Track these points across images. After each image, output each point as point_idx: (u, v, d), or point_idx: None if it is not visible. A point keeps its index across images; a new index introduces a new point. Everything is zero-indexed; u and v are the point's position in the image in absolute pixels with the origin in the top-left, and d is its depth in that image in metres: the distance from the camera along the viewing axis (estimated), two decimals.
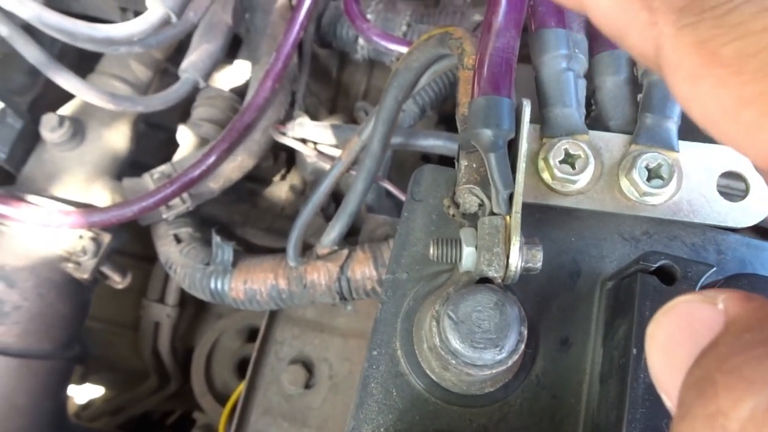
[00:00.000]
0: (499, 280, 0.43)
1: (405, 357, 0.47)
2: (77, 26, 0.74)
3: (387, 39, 0.96)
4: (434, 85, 0.99)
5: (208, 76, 0.95)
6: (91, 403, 1.41)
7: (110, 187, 1.00)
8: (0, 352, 0.85)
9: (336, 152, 1.07)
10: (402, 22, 1.15)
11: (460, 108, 0.50)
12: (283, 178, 1.34)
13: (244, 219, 1.28)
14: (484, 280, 0.44)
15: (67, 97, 1.20)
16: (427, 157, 1.29)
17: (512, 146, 0.45)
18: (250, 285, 0.92)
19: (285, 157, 1.30)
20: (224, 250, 0.93)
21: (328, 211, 1.22)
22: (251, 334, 1.23)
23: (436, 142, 0.93)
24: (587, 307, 0.49)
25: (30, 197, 0.91)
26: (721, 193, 0.48)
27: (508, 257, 0.42)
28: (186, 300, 1.26)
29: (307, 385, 0.96)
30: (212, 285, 0.94)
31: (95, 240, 0.92)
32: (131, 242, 1.12)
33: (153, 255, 1.28)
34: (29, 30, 0.85)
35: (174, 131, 1.33)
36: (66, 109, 1.01)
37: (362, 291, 0.90)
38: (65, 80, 0.82)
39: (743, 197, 0.48)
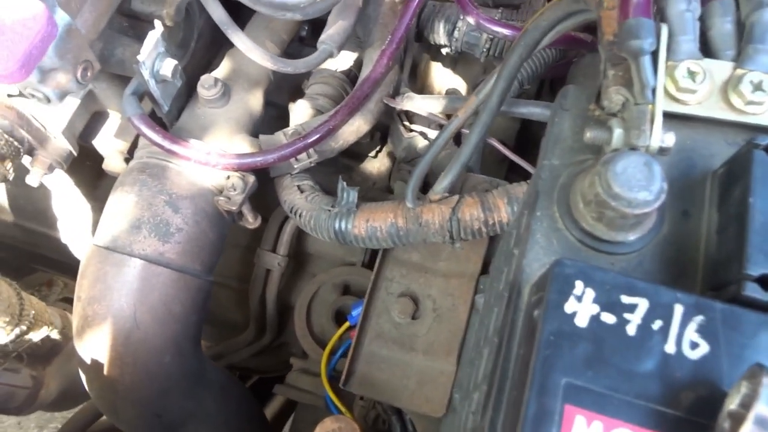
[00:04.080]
0: (644, 150, 0.58)
1: (562, 218, 0.62)
2: None
3: (495, 24, 1.14)
4: (531, 63, 1.16)
5: (341, 49, 1.12)
6: None
7: (248, 141, 1.17)
8: (164, 264, 1.02)
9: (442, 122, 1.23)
10: None
11: (605, 36, 0.65)
12: (376, 155, 1.50)
13: None
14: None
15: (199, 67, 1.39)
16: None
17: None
18: (371, 223, 1.07)
19: (379, 136, 1.47)
20: (349, 194, 1.09)
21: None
22: (346, 289, 1.38)
23: (535, 110, 1.09)
24: (701, 189, 0.63)
25: (191, 141, 1.08)
26: None
27: (652, 132, 0.57)
28: (288, 256, 1.41)
29: (414, 316, 1.10)
30: (336, 225, 1.09)
31: (242, 179, 1.08)
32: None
33: (264, 212, 1.44)
34: None
35: (283, 109, 1.51)
36: (216, 74, 1.19)
37: (470, 231, 1.04)
38: (239, 39, 0.99)
39: None
